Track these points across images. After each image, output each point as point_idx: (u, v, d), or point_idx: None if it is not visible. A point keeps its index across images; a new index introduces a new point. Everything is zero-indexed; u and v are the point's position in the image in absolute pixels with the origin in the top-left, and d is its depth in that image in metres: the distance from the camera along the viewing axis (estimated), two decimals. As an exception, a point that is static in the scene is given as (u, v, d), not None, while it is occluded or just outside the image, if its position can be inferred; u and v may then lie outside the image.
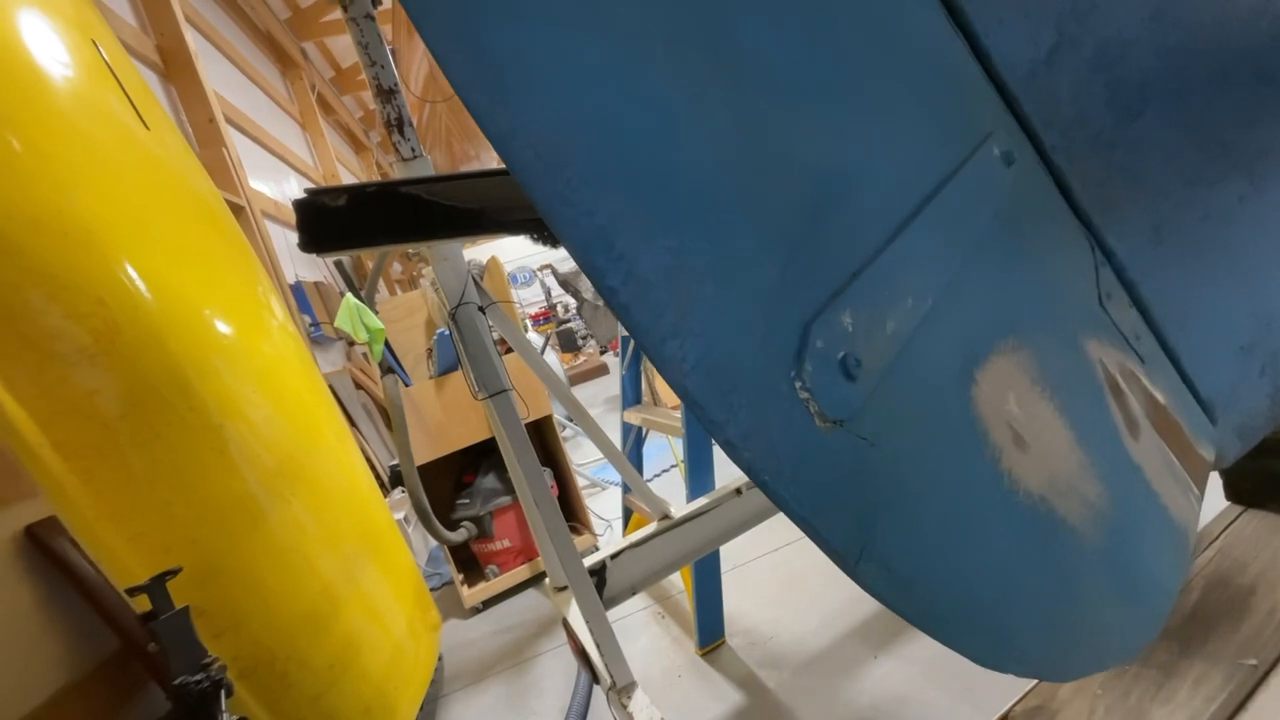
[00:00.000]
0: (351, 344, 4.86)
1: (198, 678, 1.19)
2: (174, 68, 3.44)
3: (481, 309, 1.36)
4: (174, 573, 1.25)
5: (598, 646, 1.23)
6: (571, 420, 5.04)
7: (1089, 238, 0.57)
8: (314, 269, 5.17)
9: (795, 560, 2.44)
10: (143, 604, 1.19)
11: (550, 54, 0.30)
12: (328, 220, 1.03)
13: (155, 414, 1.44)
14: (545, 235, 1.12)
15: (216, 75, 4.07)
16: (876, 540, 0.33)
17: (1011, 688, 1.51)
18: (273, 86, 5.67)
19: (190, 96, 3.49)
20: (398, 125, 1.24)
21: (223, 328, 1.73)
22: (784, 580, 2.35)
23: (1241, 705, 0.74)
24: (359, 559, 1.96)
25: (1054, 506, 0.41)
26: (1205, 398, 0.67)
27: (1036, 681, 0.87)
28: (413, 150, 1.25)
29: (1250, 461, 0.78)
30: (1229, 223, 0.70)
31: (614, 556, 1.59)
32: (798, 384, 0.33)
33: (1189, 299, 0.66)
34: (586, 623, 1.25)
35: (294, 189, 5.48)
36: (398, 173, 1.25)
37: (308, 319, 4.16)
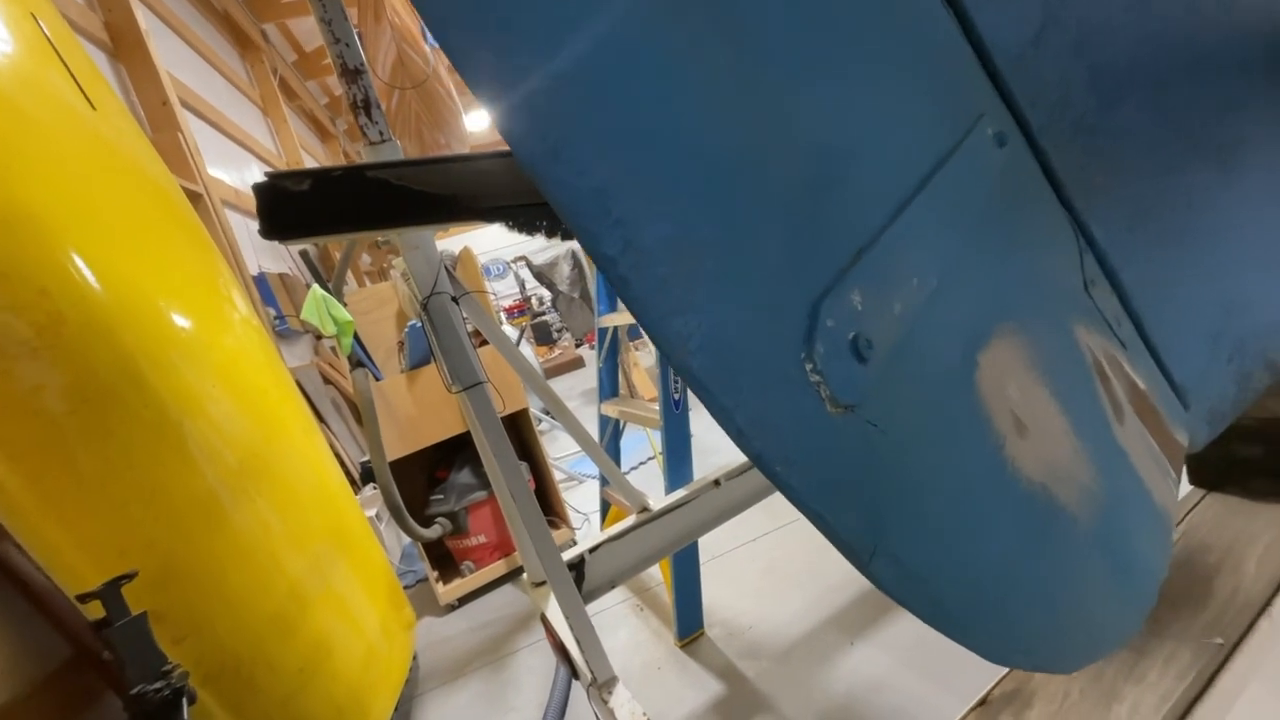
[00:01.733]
0: (319, 337, 4.72)
1: (157, 686, 1.13)
2: (123, 47, 3.26)
3: (455, 299, 1.32)
4: (129, 577, 1.19)
5: (578, 642, 1.22)
6: (547, 414, 5.00)
7: (1073, 223, 0.57)
8: (278, 260, 5.00)
9: (773, 550, 2.46)
10: (96, 610, 1.13)
11: None
12: (290, 205, 0.98)
13: (107, 410, 1.36)
14: (521, 223, 1.09)
15: (170, 56, 3.88)
16: (888, 533, 0.32)
17: (986, 672, 1.55)
18: (231, 69, 5.44)
19: (141, 77, 3.32)
20: (364, 107, 1.19)
21: (180, 320, 1.65)
22: (762, 570, 2.36)
23: (1209, 682, 0.76)
24: (329, 557, 1.91)
25: (1054, 494, 0.40)
26: (1178, 383, 0.68)
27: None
28: (381, 134, 1.20)
29: (1212, 446, 0.80)
30: (1201, 212, 0.71)
31: (593, 550, 1.58)
32: (808, 366, 0.31)
33: (1164, 286, 0.67)
34: (566, 618, 1.23)
35: (256, 177, 5.27)
36: (365, 157, 1.20)
37: (272, 312, 4.02)
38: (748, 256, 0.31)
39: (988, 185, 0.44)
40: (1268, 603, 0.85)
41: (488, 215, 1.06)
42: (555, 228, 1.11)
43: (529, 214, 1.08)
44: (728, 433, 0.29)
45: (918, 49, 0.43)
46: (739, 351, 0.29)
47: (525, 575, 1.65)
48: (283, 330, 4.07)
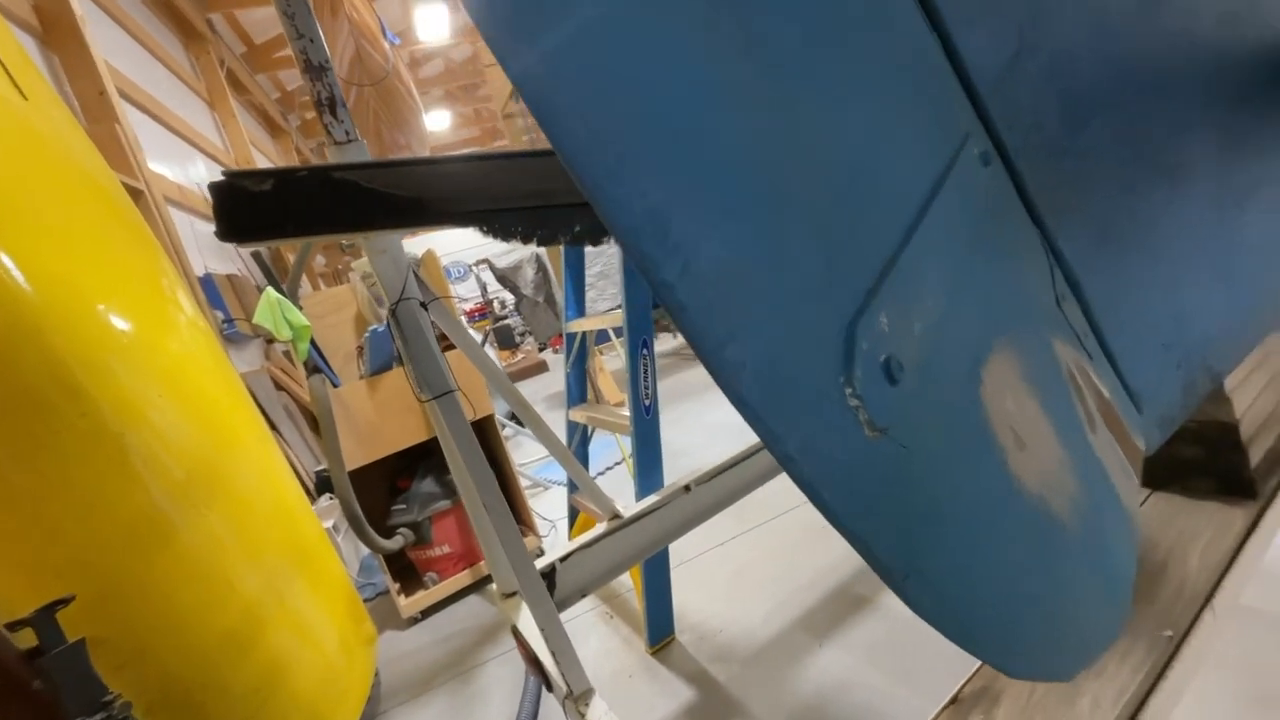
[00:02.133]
0: (270, 342, 4.52)
1: (97, 718, 1.06)
2: (56, 33, 3.06)
3: (424, 305, 1.28)
4: (65, 601, 1.11)
5: (553, 654, 1.20)
6: (513, 419, 4.93)
7: (1044, 241, 0.60)
8: (226, 260, 4.77)
9: (742, 553, 2.48)
10: (28, 638, 1.05)
11: (605, 8, 0.27)
12: (250, 206, 0.93)
13: (39, 422, 1.27)
14: (497, 228, 1.07)
15: (107, 44, 3.66)
16: (919, 555, 0.32)
17: (948, 669, 1.60)
18: (175, 60, 5.18)
19: (76, 66, 3.12)
20: (329, 106, 1.14)
21: (120, 324, 1.55)
22: (731, 574, 2.38)
23: (1161, 673, 0.81)
24: (285, 572, 1.82)
25: (1049, 505, 0.42)
26: (1134, 391, 0.71)
27: (981, 663, 0.91)
28: (347, 133, 1.16)
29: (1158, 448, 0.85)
30: (1153, 229, 0.76)
31: (564, 559, 1.56)
32: (848, 390, 0.32)
33: (1123, 300, 0.71)
34: (541, 629, 1.21)
35: (201, 173, 5.04)
36: (331, 157, 1.16)
37: (220, 315, 3.83)
38: (790, 281, 0.31)
39: (978, 203, 0.45)
40: (1210, 596, 0.90)
41: (462, 220, 1.04)
42: (531, 233, 1.09)
43: (505, 219, 1.06)
44: (777, 458, 0.29)
45: (915, 69, 0.44)
46: (788, 377, 0.29)
47: (495, 587, 1.62)
48: (231, 334, 3.89)
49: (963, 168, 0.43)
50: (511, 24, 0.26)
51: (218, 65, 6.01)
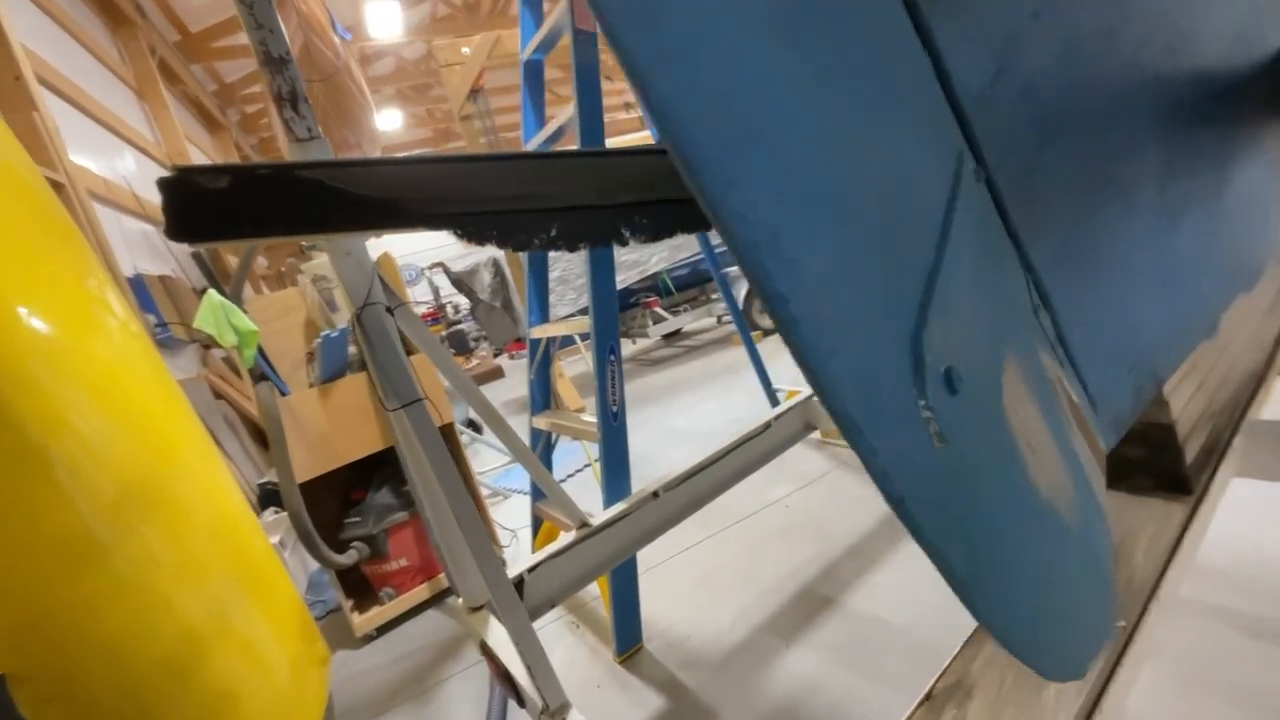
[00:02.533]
0: (207, 347, 4.26)
1: (21, 762, 0.96)
2: (-36, 10, 2.80)
3: (390, 310, 1.23)
4: (-17, 634, 1.01)
5: (528, 668, 1.17)
6: (470, 425, 4.81)
7: (1018, 254, 0.63)
8: (158, 260, 4.48)
9: (707, 559, 2.49)
10: (-63, 679, 0.95)
11: (739, 22, 0.26)
12: (205, 205, 0.87)
13: (-49, 436, 1.15)
14: (469, 231, 1.04)
15: (24, 25, 3.38)
16: (982, 566, 0.33)
17: (914, 666, 1.65)
18: (100, 46, 4.83)
19: (-12, 47, 2.87)
20: (291, 101, 1.09)
21: (43, 327, 1.42)
22: (697, 579, 2.39)
23: (1118, 661, 0.86)
24: (230, 593, 1.71)
25: (1056, 509, 0.44)
26: (1092, 395, 0.76)
27: (952, 658, 0.94)
28: (309, 130, 1.10)
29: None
30: (1110, 244, 0.81)
31: (533, 569, 1.53)
32: (920, 402, 0.32)
33: (1083, 309, 0.75)
34: (515, 643, 1.17)
35: (129, 166, 4.71)
36: (291, 154, 1.10)
37: (152, 319, 3.59)
38: (873, 295, 0.31)
39: (979, 218, 0.47)
40: (1155, 588, 0.97)
41: (434, 222, 1.00)
42: (506, 237, 1.06)
43: (478, 222, 1.03)
44: (872, 474, 0.29)
45: (923, 90, 0.45)
46: (878, 391, 0.29)
47: (460, 600, 1.56)
48: (165, 339, 3.64)
49: (965, 184, 0.45)
50: (648, 20, 0.25)
51: (148, 53, 5.65)
